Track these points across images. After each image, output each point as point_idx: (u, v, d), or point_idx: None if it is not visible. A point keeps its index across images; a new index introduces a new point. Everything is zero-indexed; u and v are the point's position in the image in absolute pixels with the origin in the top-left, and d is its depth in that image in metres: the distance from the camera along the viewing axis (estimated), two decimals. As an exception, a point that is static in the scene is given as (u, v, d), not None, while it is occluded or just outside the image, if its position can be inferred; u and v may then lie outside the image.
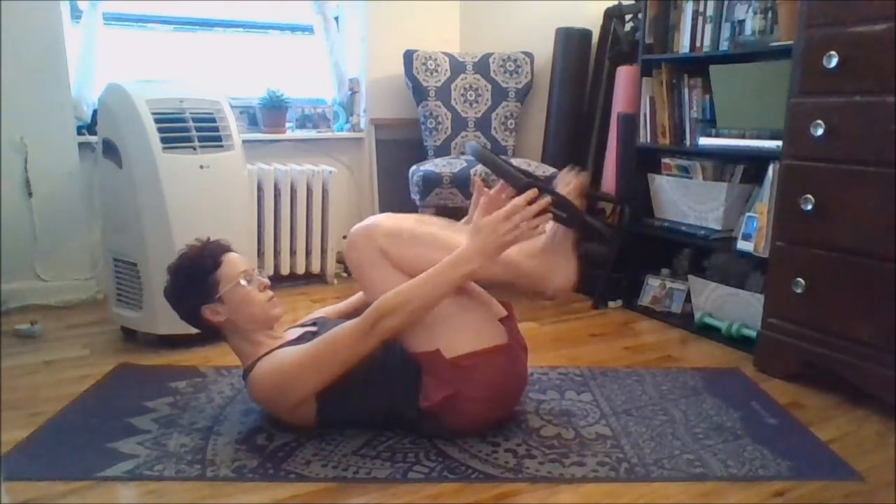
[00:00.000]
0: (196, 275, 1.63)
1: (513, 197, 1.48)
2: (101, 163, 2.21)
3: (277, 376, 1.55)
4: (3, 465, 1.46)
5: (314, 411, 1.57)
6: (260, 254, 2.84)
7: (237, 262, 1.66)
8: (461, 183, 2.70)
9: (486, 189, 1.60)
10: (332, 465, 1.48)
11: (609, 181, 2.99)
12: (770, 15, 2.27)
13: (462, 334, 1.55)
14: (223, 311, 1.62)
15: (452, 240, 1.57)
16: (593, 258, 2.70)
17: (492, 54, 3.20)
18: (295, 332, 1.71)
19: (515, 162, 2.80)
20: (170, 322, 2.00)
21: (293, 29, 3.26)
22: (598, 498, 1.40)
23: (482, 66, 3.18)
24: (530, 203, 1.45)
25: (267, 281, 1.69)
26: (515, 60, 3.20)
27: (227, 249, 1.68)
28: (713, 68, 2.42)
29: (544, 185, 1.49)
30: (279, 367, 1.55)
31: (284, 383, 1.54)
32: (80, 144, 2.67)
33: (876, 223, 1.77)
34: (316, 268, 3.01)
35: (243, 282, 1.63)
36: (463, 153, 3.07)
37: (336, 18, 3.22)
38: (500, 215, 1.45)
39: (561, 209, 1.47)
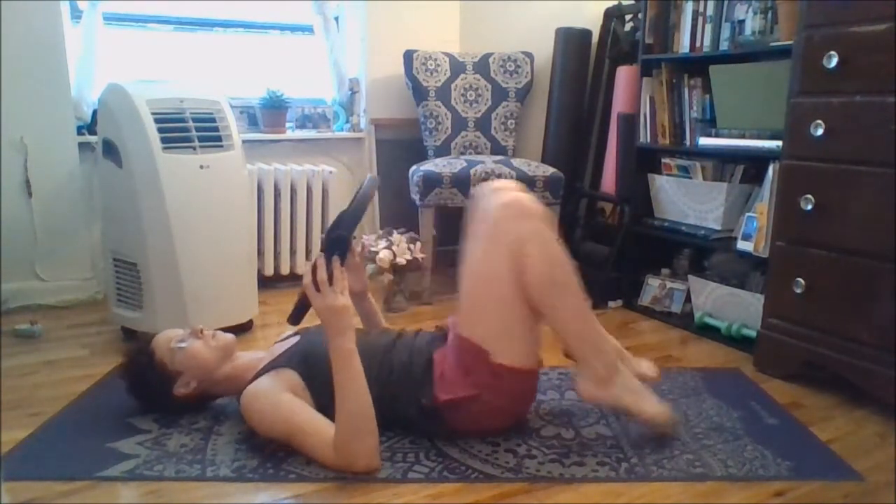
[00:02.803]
0: (146, 378, 1.66)
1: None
2: (101, 163, 2.21)
3: (258, 415, 1.53)
4: (3, 465, 1.46)
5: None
6: (260, 254, 2.84)
7: (163, 338, 1.69)
8: (461, 183, 2.70)
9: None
10: (332, 465, 1.48)
11: (609, 181, 3.00)
12: (770, 15, 2.27)
13: (515, 347, 1.55)
14: (188, 378, 1.65)
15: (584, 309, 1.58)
16: (592, 258, 2.70)
17: (492, 54, 3.20)
18: (280, 348, 1.70)
19: (515, 163, 2.80)
20: (170, 322, 2.00)
21: (293, 29, 3.26)
22: (598, 498, 1.40)
23: (482, 66, 3.18)
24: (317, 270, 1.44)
25: (193, 327, 1.70)
26: (515, 60, 3.20)
27: (150, 339, 1.71)
28: (713, 68, 2.42)
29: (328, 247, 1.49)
30: (262, 412, 1.52)
31: (263, 424, 1.53)
32: (80, 144, 2.67)
33: (876, 223, 1.77)
34: (316, 268, 3.01)
35: (178, 344, 1.65)
36: (462, 153, 3.07)
37: (336, 18, 3.22)
38: (314, 297, 1.43)
39: (335, 248, 1.46)
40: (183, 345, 1.65)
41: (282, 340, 1.77)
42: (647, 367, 1.85)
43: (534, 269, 1.50)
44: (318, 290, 1.42)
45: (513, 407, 1.64)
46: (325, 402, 1.51)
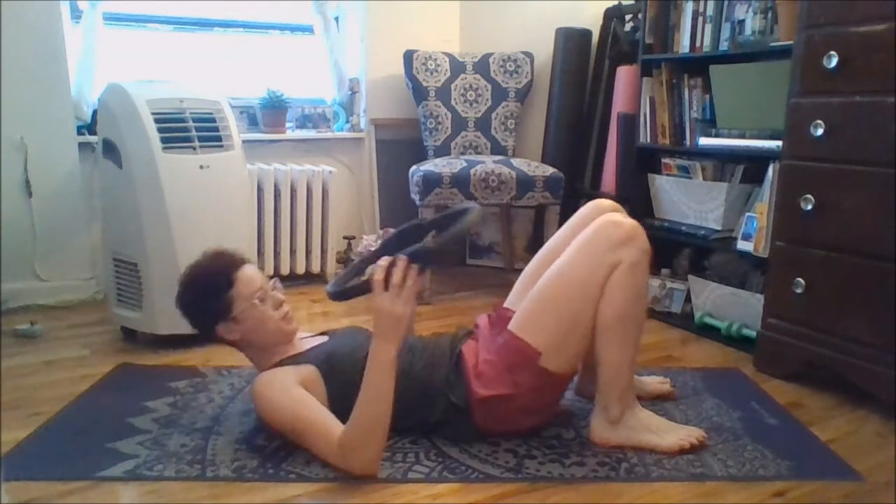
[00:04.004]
0: (209, 293, 1.58)
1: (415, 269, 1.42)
2: (101, 163, 2.21)
3: (267, 401, 1.51)
4: (3, 465, 1.46)
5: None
6: (260, 254, 2.84)
7: (252, 279, 1.61)
8: (461, 183, 2.69)
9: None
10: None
11: (609, 181, 3.00)
12: (770, 15, 2.27)
13: (565, 356, 1.55)
14: (238, 329, 1.60)
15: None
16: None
17: (492, 54, 3.20)
18: (306, 343, 1.68)
19: (515, 163, 2.80)
20: (170, 322, 2.00)
21: (293, 29, 3.26)
22: (598, 498, 1.40)
23: (482, 66, 3.18)
24: (391, 270, 1.39)
25: (282, 296, 1.65)
26: (515, 60, 3.20)
27: (242, 263, 1.63)
28: (713, 68, 2.42)
29: (392, 249, 1.49)
30: (272, 399, 1.50)
31: (269, 410, 1.52)
32: (80, 144, 2.67)
33: (876, 223, 1.77)
34: (316, 268, 3.01)
35: (258, 301, 1.59)
36: (462, 153, 3.07)
37: (336, 18, 3.22)
38: (380, 294, 1.39)
39: (422, 259, 1.42)
40: (258, 303, 1.59)
41: (308, 337, 1.75)
42: (658, 385, 1.87)
43: (614, 298, 1.51)
44: (385, 288, 1.38)
45: (543, 409, 1.63)
46: (343, 403, 1.48)
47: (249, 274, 1.62)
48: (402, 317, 1.38)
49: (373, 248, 2.56)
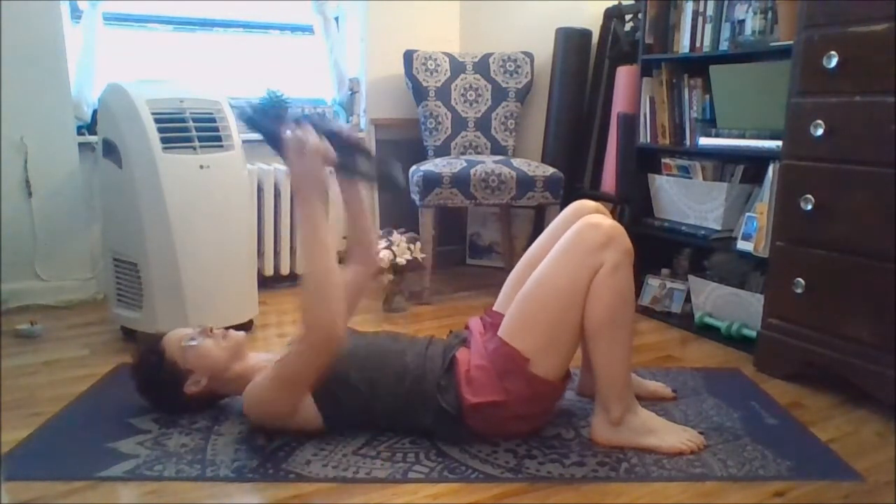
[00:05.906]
0: (157, 377, 1.66)
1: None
2: (101, 163, 2.21)
3: (258, 403, 1.56)
4: (3, 465, 1.46)
5: (320, 423, 1.57)
6: (260, 254, 2.84)
7: (174, 337, 1.68)
8: (461, 183, 2.69)
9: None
10: (332, 465, 1.48)
11: (609, 181, 3.00)
12: (770, 15, 2.28)
13: (554, 361, 1.54)
14: (198, 376, 1.65)
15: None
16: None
17: (492, 54, 3.20)
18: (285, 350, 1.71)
19: (515, 163, 2.80)
20: (170, 322, 2.00)
21: (293, 29, 3.26)
22: (598, 498, 1.40)
23: (482, 66, 3.18)
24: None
25: (203, 326, 1.71)
26: (515, 60, 3.20)
27: (160, 337, 1.71)
28: (713, 68, 2.42)
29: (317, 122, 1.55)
30: (258, 395, 1.55)
31: (265, 407, 1.55)
32: (80, 144, 2.67)
33: (876, 223, 1.77)
34: (316, 268, 3.00)
35: (188, 343, 1.65)
36: (462, 153, 3.07)
37: (336, 18, 3.22)
38: (294, 157, 1.45)
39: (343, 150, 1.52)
40: (194, 343, 1.65)
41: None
42: (659, 387, 1.87)
43: (599, 301, 1.51)
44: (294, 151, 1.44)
45: (537, 415, 1.63)
46: (331, 405, 1.51)
47: (172, 335, 1.70)
48: (314, 174, 1.45)
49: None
